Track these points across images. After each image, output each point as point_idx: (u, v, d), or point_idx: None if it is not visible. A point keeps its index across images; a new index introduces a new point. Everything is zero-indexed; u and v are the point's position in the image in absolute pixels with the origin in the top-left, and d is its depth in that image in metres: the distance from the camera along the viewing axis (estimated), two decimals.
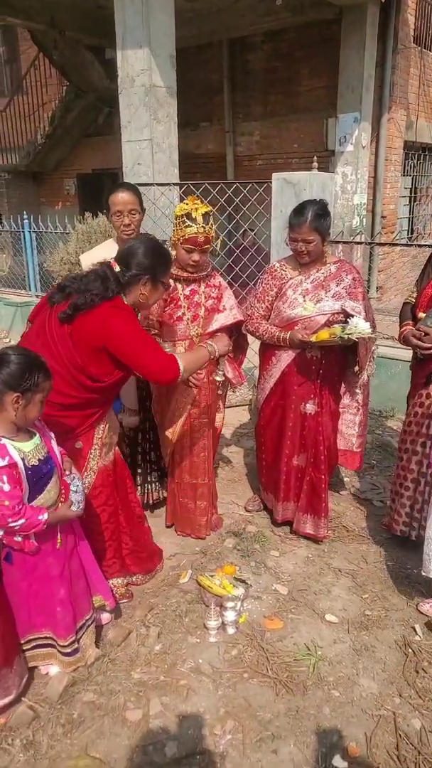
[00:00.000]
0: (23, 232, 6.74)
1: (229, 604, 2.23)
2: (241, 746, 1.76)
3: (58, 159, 10.25)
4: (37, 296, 6.91)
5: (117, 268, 2.02)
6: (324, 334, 2.41)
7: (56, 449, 1.89)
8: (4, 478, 1.66)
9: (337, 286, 2.55)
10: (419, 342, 2.39)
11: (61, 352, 1.95)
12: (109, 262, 2.06)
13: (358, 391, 2.74)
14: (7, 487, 1.67)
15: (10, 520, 1.68)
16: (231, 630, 2.21)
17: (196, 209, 2.38)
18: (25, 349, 1.76)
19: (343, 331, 2.36)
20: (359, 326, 2.36)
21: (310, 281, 2.56)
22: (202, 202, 2.44)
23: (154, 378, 2.12)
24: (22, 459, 1.72)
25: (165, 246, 2.18)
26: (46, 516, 1.75)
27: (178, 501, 2.79)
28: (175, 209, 2.50)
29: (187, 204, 2.41)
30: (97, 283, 1.98)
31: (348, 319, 2.42)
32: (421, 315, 2.45)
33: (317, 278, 2.57)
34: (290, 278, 2.59)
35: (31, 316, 2.21)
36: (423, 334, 2.37)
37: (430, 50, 8.06)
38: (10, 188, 10.58)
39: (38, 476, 1.77)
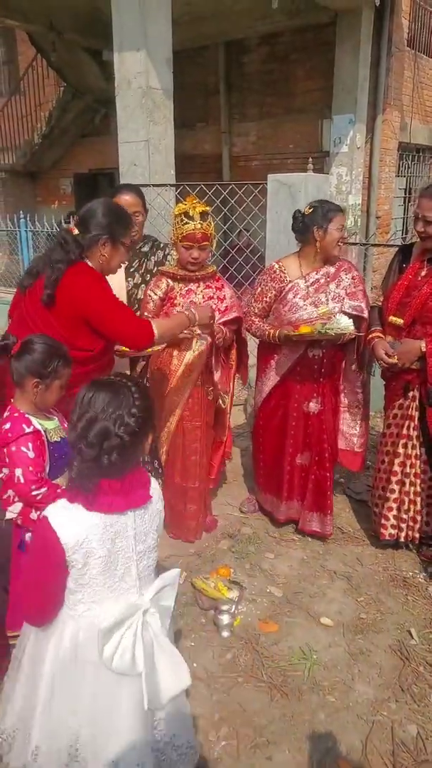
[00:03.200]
0: (19, 231, 6.71)
1: (224, 607, 2.22)
2: (236, 752, 1.74)
3: (54, 159, 10.23)
4: None
5: (76, 233, 2.01)
6: (306, 329, 2.42)
7: None
8: (29, 445, 1.70)
9: (336, 287, 2.54)
10: (384, 358, 2.40)
11: (45, 333, 1.93)
12: (68, 227, 2.06)
13: (359, 390, 2.73)
14: (32, 454, 1.70)
15: (33, 486, 1.69)
16: (225, 633, 2.19)
17: (194, 207, 2.42)
18: (49, 337, 1.79)
19: (323, 327, 2.37)
20: (341, 323, 2.38)
21: (310, 284, 2.55)
22: (199, 202, 2.46)
23: (129, 343, 2.10)
24: (44, 431, 1.76)
25: (122, 207, 2.18)
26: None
27: (169, 503, 2.77)
28: (173, 210, 2.51)
29: (184, 204, 2.46)
30: (57, 250, 1.96)
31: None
32: (392, 319, 2.44)
33: (317, 280, 2.55)
34: (289, 281, 2.58)
35: (10, 311, 2.19)
36: (393, 353, 2.38)
37: (423, 53, 8.09)
38: (7, 187, 10.55)
39: (60, 453, 1.79)
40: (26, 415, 1.75)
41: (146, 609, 1.33)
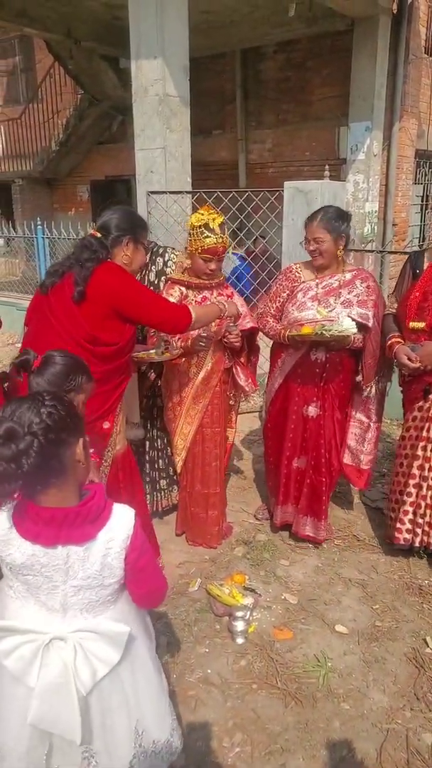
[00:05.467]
0: (36, 237, 6.81)
1: (239, 614, 2.22)
2: (250, 759, 1.75)
3: (71, 166, 10.37)
4: None
5: (99, 236, 2.08)
6: (307, 329, 2.42)
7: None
8: None
9: (349, 293, 2.55)
10: (407, 363, 2.39)
11: (71, 331, 1.97)
12: (90, 232, 2.13)
13: (371, 407, 2.71)
14: None
15: None
16: (240, 640, 2.20)
17: (213, 219, 2.41)
18: (69, 353, 1.76)
19: (322, 327, 2.37)
20: (343, 324, 2.37)
21: (322, 287, 2.56)
22: (216, 212, 2.46)
23: (170, 326, 2.16)
24: None
25: (136, 212, 2.27)
26: None
27: (190, 511, 2.78)
28: (190, 219, 2.52)
29: (203, 214, 2.43)
30: (85, 252, 2.04)
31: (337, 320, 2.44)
32: (413, 324, 2.44)
33: (330, 284, 2.57)
34: (303, 281, 2.60)
35: (26, 318, 2.18)
36: (416, 358, 2.38)
37: None
38: (24, 194, 10.72)
39: None
40: None
41: (61, 638, 1.23)
